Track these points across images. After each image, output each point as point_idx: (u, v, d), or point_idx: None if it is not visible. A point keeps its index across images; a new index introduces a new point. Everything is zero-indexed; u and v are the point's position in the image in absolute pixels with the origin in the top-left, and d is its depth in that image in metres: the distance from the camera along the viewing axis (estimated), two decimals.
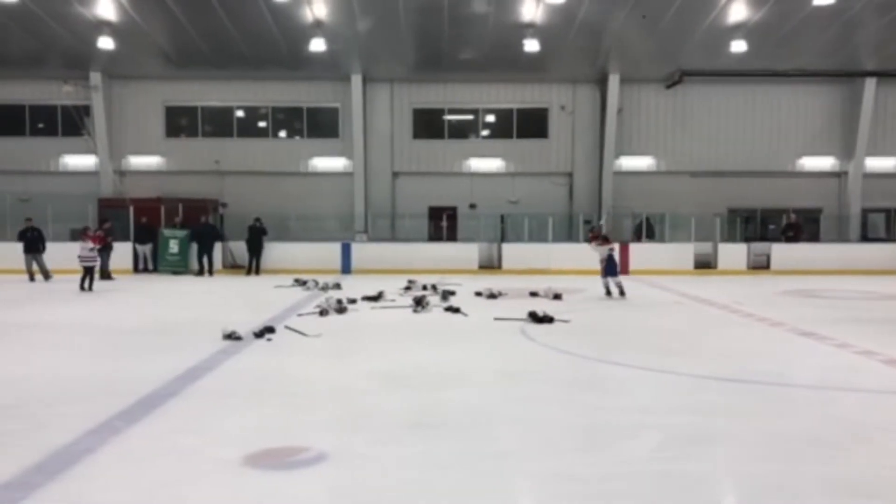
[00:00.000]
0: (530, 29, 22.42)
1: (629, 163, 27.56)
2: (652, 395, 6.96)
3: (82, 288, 16.47)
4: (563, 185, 27.83)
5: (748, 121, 27.49)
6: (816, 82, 27.06)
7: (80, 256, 16.79)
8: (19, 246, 19.55)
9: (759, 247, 23.53)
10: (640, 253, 22.65)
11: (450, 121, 28.02)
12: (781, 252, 23.14)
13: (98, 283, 17.19)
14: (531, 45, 22.71)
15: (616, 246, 17.48)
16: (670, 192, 26.79)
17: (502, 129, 28.01)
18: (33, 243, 19.36)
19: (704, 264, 22.89)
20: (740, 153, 27.37)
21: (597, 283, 15.82)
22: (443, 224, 26.20)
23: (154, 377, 7.40)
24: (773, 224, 27.44)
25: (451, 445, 5.32)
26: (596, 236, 16.38)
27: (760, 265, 23.04)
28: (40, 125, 27.42)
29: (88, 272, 16.68)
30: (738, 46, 22.81)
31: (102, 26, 22.00)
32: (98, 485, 4.54)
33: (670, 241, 24.42)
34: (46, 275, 19.14)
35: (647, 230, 25.22)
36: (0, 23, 21.93)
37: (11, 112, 27.17)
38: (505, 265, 22.69)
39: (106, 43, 22.31)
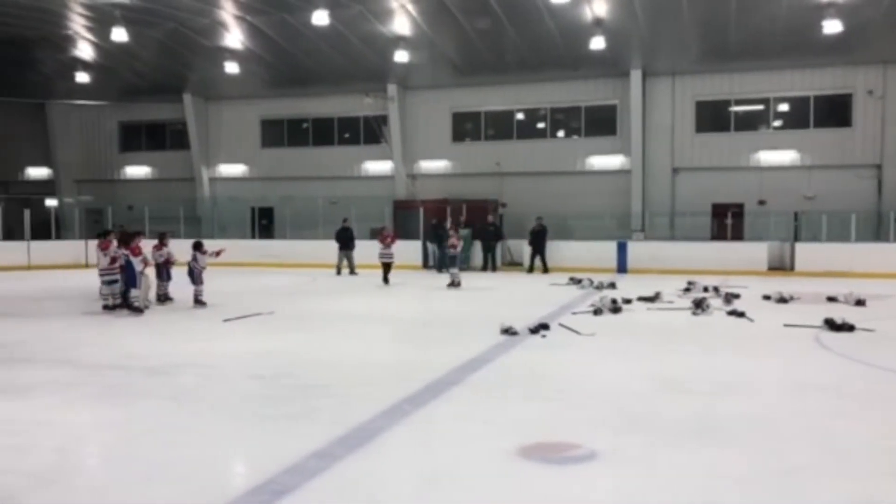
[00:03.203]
0: (831, 8, 20.33)
1: None
2: None
3: (385, 281, 18.19)
4: (869, 179, 24.85)
5: None
6: None
7: (380, 254, 18.63)
8: (331, 242, 21.96)
9: None
10: None
11: (736, 112, 26.38)
12: None
13: (393, 276, 18.75)
14: (832, 26, 20.53)
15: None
16: None
17: (796, 119, 25.75)
18: (347, 241, 21.72)
19: None
20: None
21: None
22: (727, 222, 24.76)
23: (439, 366, 7.95)
24: None
25: (734, 457, 5.04)
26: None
27: None
28: (346, 135, 30.65)
29: (387, 267, 18.44)
30: None
31: (398, 41, 24.12)
32: (387, 462, 5.02)
33: None
34: (352, 269, 21.33)
35: None
36: (314, 45, 24.96)
37: (323, 124, 30.75)
38: (798, 267, 20.86)
39: (401, 56, 24.42)
